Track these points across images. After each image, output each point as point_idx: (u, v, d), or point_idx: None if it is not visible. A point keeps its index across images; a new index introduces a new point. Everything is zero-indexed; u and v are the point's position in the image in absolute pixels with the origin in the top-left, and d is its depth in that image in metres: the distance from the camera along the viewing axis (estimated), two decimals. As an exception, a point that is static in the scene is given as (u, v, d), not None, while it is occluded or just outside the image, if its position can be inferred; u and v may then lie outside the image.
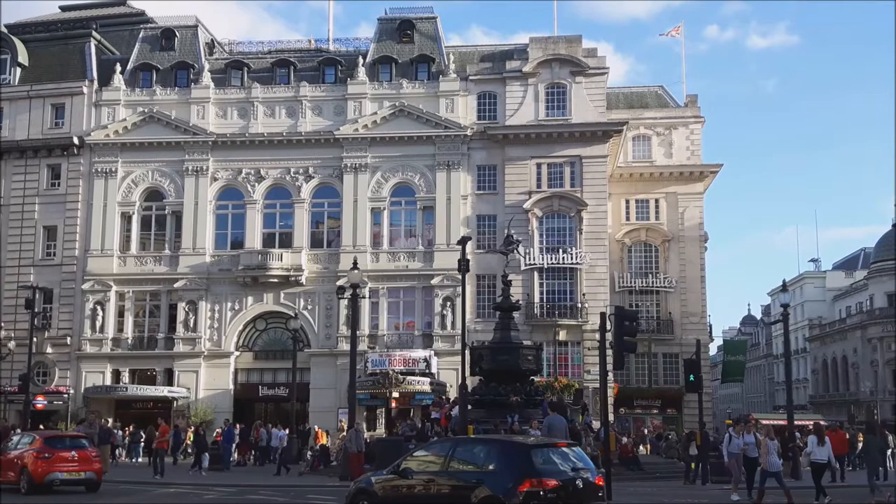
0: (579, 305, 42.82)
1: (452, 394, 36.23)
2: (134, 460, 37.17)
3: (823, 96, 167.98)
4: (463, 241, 26.65)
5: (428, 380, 39.32)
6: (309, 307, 44.02)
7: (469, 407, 25.46)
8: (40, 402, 41.93)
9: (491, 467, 12.89)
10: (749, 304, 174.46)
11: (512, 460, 12.80)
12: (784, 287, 33.70)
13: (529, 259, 42.96)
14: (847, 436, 31.93)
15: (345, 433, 28.51)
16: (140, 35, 49.22)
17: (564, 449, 13.76)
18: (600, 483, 13.57)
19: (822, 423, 26.82)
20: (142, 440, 37.80)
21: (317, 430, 36.54)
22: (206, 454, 31.03)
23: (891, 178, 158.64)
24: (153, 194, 46.16)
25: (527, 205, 43.73)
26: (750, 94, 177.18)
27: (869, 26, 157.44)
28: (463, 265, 25.84)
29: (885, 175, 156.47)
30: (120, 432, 37.00)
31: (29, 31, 51.29)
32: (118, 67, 47.06)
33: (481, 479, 12.74)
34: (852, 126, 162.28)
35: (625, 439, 32.81)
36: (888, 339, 67.32)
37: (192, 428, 34.49)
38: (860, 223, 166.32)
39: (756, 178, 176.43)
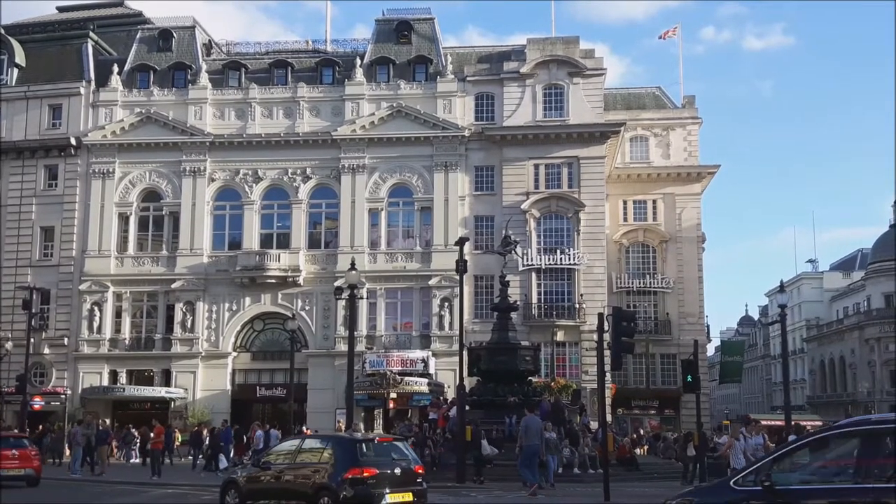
0: (577, 306, 42.83)
1: (450, 394, 36.20)
2: (127, 461, 37.13)
3: (820, 97, 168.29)
4: (461, 242, 26.66)
5: (426, 380, 39.31)
6: (307, 308, 44.01)
7: (467, 408, 25.46)
8: (37, 403, 41.84)
9: (326, 459, 15.59)
10: (747, 305, 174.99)
11: (341, 453, 15.49)
12: (781, 288, 33.72)
13: (527, 260, 42.97)
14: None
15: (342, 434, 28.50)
16: (137, 36, 49.17)
17: (388, 443, 16.83)
18: (419, 471, 16.14)
19: (802, 423, 26.98)
20: (133, 441, 37.84)
21: (305, 430, 36.60)
22: (222, 454, 31.09)
23: (888, 179, 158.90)
24: (150, 195, 46.14)
25: (524, 205, 43.75)
26: (747, 95, 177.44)
27: (865, 27, 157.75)
28: (461, 266, 25.85)
29: (883, 176, 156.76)
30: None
31: (26, 32, 51.23)
32: (115, 68, 47.04)
33: (317, 469, 15.45)
34: (849, 127, 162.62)
35: (625, 439, 32.78)
36: (885, 340, 67.41)
37: (209, 428, 34.40)
38: (858, 224, 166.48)
39: (753, 178, 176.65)
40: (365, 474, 14.94)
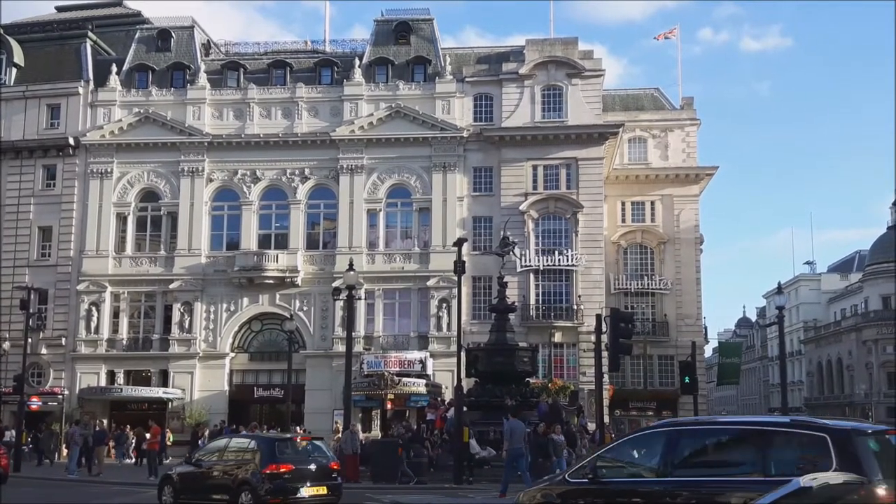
0: (575, 307, 42.83)
1: (448, 395, 36.19)
2: (121, 461, 37.11)
3: (817, 99, 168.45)
4: (459, 243, 26.66)
5: (423, 381, 39.24)
6: (304, 308, 43.98)
7: (465, 409, 25.45)
8: (35, 404, 41.73)
9: (249, 457, 17.15)
10: (744, 307, 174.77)
11: (261, 451, 16.97)
12: (779, 289, 33.77)
13: (525, 261, 42.97)
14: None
15: (340, 435, 28.50)
16: (136, 36, 49.11)
17: (306, 442, 18.62)
18: (334, 467, 17.85)
19: None
20: (127, 441, 37.79)
21: (298, 430, 36.61)
22: None
23: (885, 181, 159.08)
24: (149, 195, 46.10)
25: (523, 206, 43.74)
26: (744, 96, 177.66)
27: (862, 28, 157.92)
28: (459, 267, 25.85)
29: (881, 177, 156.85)
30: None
31: (25, 32, 51.16)
32: (114, 68, 47.00)
33: (240, 466, 17.02)
34: (847, 128, 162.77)
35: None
36: (883, 342, 67.49)
37: (206, 429, 34.40)
38: (855, 226, 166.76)
39: (751, 180, 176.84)
40: (282, 470, 16.46)
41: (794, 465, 8.00)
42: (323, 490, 16.93)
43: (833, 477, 7.25)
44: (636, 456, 9.51)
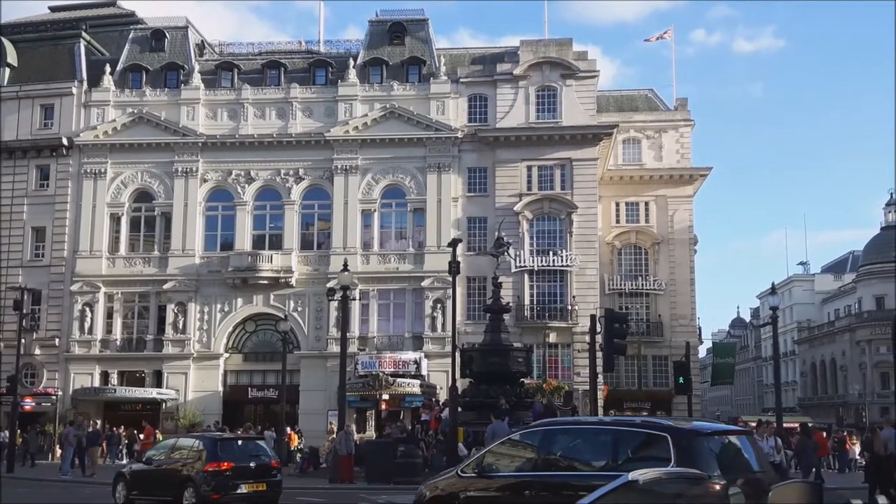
0: (569, 308, 42.87)
1: (442, 396, 36.20)
2: (113, 462, 37.01)
3: (810, 100, 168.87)
4: (453, 244, 26.64)
5: (418, 382, 39.22)
6: (299, 309, 43.95)
7: (459, 409, 25.44)
8: (28, 404, 41.65)
9: (193, 455, 18.17)
10: (738, 307, 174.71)
11: (204, 450, 17.99)
12: (773, 290, 33.85)
13: (520, 261, 43.00)
14: (825, 435, 32.36)
15: (334, 435, 28.46)
16: (130, 36, 49.05)
17: (247, 442, 19.98)
18: (275, 465, 18.91)
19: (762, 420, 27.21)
20: (119, 442, 37.67)
21: (289, 431, 36.58)
22: None
23: (879, 182, 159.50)
24: (142, 195, 46.02)
25: (517, 207, 43.77)
26: (738, 97, 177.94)
27: (855, 29, 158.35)
28: (453, 267, 25.85)
29: (874, 178, 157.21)
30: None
31: (18, 32, 51.03)
32: (108, 68, 46.89)
33: (185, 464, 18.07)
34: (840, 129, 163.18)
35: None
36: (876, 342, 67.63)
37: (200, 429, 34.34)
38: (849, 226, 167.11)
39: (745, 181, 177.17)
40: (223, 468, 17.55)
41: (640, 460, 8.95)
42: (262, 487, 18.08)
43: (668, 472, 7.92)
44: (517, 452, 10.69)
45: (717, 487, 8.21)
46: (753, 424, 29.09)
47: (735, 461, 9.14)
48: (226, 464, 17.66)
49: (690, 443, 8.87)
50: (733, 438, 9.59)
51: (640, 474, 7.21)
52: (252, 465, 18.24)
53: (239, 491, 17.63)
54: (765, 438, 20.68)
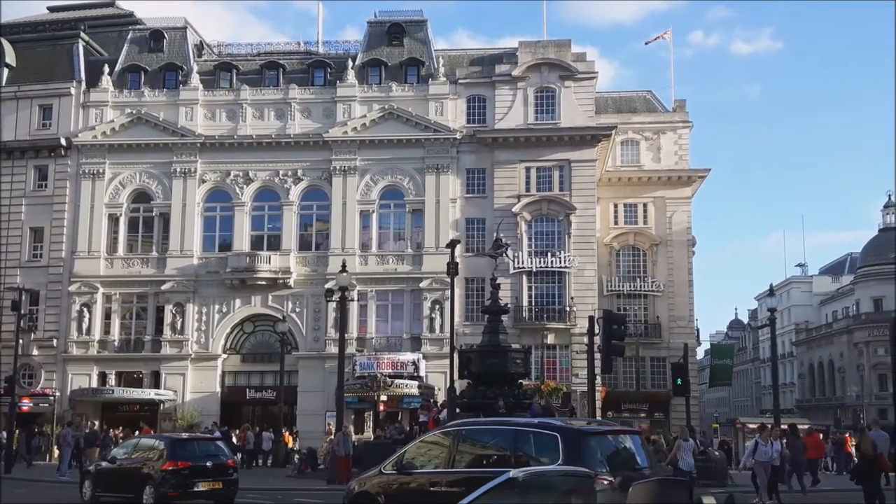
0: (568, 309, 42.87)
1: (441, 397, 36.19)
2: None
3: (808, 101, 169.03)
4: (452, 245, 26.68)
5: (416, 383, 39.27)
6: (297, 310, 43.92)
7: (457, 410, 25.43)
8: (26, 405, 41.61)
9: (153, 455, 18.99)
10: (736, 309, 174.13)
11: (163, 449, 18.86)
12: (771, 291, 33.85)
13: (518, 263, 43.00)
14: (820, 437, 32.40)
15: (332, 436, 28.46)
16: (128, 36, 49.03)
17: (205, 442, 20.92)
18: (231, 465, 19.74)
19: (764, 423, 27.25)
20: (114, 443, 37.56)
21: (285, 432, 36.57)
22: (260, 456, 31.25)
23: (877, 183, 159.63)
24: (141, 196, 45.99)
25: (516, 208, 43.78)
26: (736, 99, 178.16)
27: (852, 31, 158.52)
28: (452, 268, 25.87)
29: (872, 180, 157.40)
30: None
31: (17, 32, 50.99)
32: (106, 69, 46.86)
33: (146, 463, 18.93)
34: (838, 130, 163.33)
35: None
36: (874, 344, 67.64)
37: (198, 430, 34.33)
38: (847, 228, 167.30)
39: (743, 182, 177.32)
40: (181, 466, 18.40)
41: (534, 458, 9.77)
42: (218, 485, 18.94)
43: (551, 469, 8.49)
44: (433, 450, 11.47)
45: (605, 482, 8.81)
46: (753, 426, 29.13)
47: (623, 459, 9.89)
48: (183, 463, 18.53)
49: (578, 442, 9.60)
50: (623, 438, 10.34)
51: (520, 472, 7.51)
52: (209, 464, 19.07)
53: (196, 489, 18.49)
54: (769, 442, 20.48)
